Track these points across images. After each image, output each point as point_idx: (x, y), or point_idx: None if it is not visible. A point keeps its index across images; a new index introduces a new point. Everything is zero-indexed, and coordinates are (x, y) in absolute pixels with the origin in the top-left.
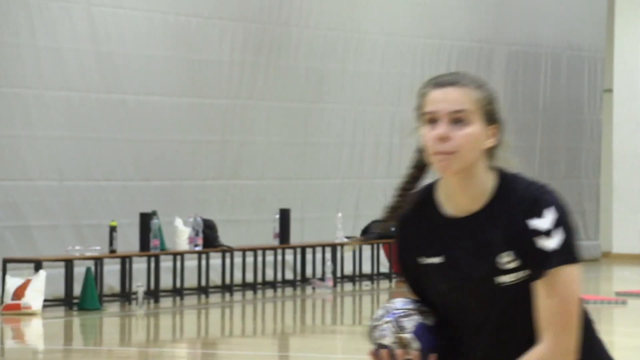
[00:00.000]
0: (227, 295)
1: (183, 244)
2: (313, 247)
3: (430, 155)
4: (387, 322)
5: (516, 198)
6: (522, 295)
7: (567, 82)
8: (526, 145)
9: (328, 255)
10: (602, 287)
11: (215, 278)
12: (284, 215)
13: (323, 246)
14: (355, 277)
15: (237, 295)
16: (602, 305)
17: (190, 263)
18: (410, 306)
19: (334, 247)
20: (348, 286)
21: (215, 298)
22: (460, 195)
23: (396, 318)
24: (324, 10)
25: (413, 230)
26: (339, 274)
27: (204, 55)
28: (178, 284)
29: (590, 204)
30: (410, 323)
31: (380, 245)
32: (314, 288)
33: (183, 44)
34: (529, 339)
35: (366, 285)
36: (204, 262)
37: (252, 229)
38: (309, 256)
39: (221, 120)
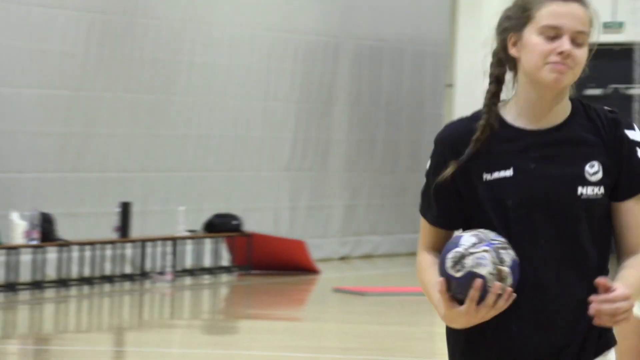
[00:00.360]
0: (63, 290)
1: (18, 238)
2: (153, 240)
3: (543, 65)
4: (485, 251)
5: (600, 114)
6: (591, 215)
7: (410, 76)
8: (369, 138)
9: (169, 249)
10: None
11: (52, 273)
12: (125, 208)
13: (164, 240)
14: (195, 271)
15: (74, 290)
16: None
17: (26, 257)
18: (503, 239)
19: (174, 240)
20: (188, 280)
21: (50, 293)
22: (547, 109)
23: (495, 248)
24: (171, 1)
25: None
26: (179, 268)
27: (46, 45)
28: (12, 279)
29: None
30: (509, 257)
31: (222, 239)
32: (153, 282)
33: (25, 33)
34: (590, 268)
35: (206, 279)
36: (40, 256)
37: (92, 222)
38: (149, 250)
39: (63, 112)
